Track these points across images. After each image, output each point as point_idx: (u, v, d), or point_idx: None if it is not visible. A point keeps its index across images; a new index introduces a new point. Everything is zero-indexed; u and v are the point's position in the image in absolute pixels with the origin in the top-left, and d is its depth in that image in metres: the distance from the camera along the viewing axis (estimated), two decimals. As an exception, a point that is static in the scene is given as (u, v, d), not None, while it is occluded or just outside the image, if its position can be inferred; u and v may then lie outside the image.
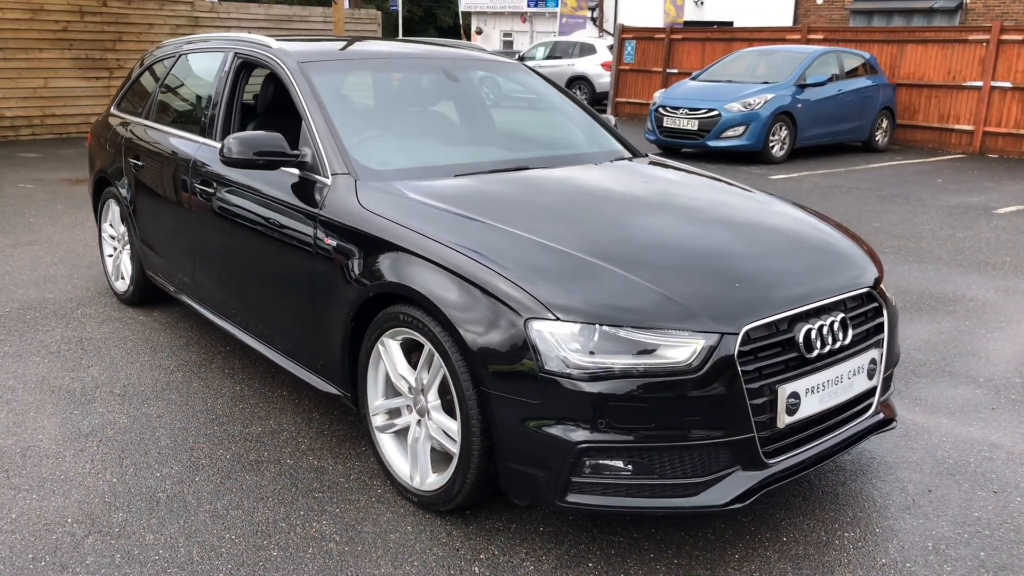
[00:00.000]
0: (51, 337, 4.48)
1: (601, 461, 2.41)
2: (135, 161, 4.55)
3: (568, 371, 2.37)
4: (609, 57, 20.11)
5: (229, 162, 3.29)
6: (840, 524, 2.81)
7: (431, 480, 2.81)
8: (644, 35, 18.22)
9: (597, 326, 2.40)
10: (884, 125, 13.16)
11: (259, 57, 3.88)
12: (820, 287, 2.72)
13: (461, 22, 43.74)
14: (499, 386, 2.46)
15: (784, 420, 2.52)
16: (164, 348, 4.36)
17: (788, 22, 26.09)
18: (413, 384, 2.83)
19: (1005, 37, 12.71)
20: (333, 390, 3.22)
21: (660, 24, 28.40)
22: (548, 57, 21.06)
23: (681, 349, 2.38)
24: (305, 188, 3.29)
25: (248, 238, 3.56)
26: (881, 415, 2.94)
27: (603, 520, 2.80)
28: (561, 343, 2.39)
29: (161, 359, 4.21)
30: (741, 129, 11.15)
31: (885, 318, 2.91)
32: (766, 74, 12.20)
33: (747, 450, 2.46)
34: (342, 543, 2.67)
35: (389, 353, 2.88)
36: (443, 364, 2.64)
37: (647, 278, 2.55)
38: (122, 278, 5.05)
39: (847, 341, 2.70)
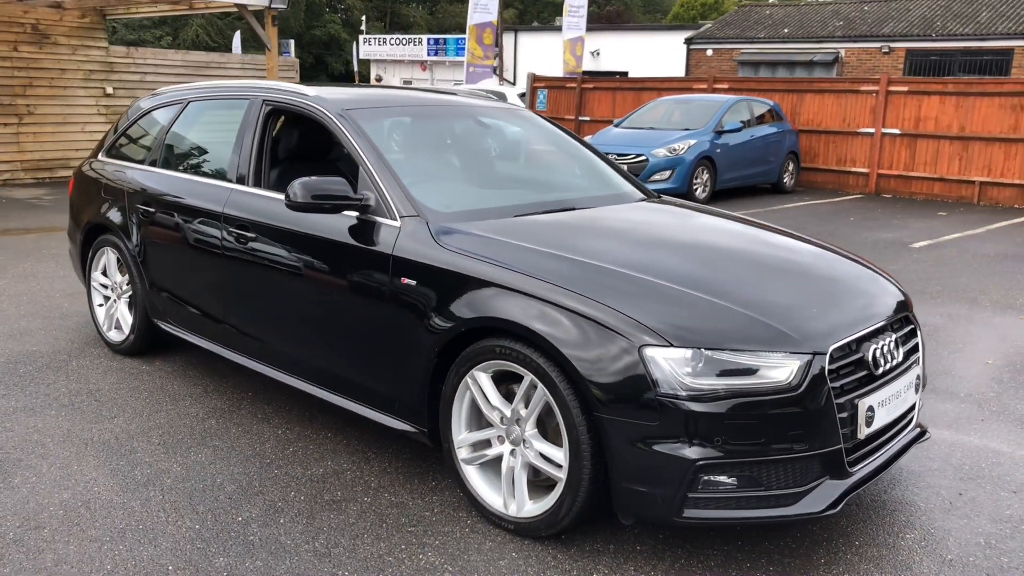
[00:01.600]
0: (56, 390, 4.35)
1: (714, 477, 2.60)
2: (145, 208, 4.50)
3: (682, 393, 2.57)
4: (520, 104, 20.64)
5: (296, 207, 3.36)
6: (898, 527, 3.09)
7: (529, 507, 2.93)
8: (556, 84, 18.87)
9: (703, 350, 2.61)
10: (791, 168, 14.06)
11: (293, 104, 3.97)
12: (874, 312, 3.03)
13: (357, 69, 43.90)
14: (614, 411, 2.63)
15: (863, 432, 2.78)
16: (183, 396, 4.30)
17: (680, 73, 27.49)
18: (508, 415, 2.95)
19: (892, 88, 13.87)
20: (408, 427, 3.29)
21: (560, 74, 29.41)
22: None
23: (781, 370, 2.62)
24: (366, 230, 3.39)
25: (298, 281, 3.61)
26: (919, 428, 3.25)
27: (693, 535, 2.98)
28: (674, 367, 2.58)
29: (186, 407, 4.15)
30: (668, 173, 11.72)
31: (919, 339, 3.24)
32: (684, 121, 12.89)
33: (835, 460, 2.71)
34: (455, 572, 2.75)
35: (480, 386, 3.00)
36: (547, 393, 2.78)
37: (736, 304, 2.78)
38: (117, 328, 4.94)
39: (900, 359, 3.01)
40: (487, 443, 3.07)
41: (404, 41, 35.45)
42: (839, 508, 2.70)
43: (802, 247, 3.51)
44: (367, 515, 3.12)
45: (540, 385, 2.81)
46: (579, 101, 18.23)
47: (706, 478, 2.60)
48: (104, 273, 5.02)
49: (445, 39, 34.83)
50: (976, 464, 3.65)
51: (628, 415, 2.61)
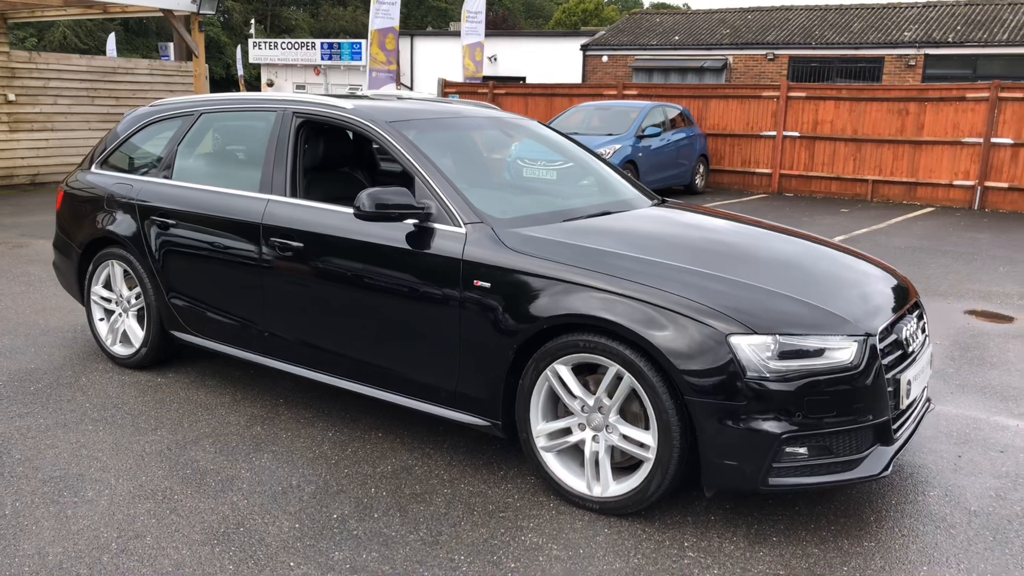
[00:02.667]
0: (81, 406, 4.31)
1: (793, 448, 2.95)
2: (162, 220, 4.51)
3: (765, 375, 2.90)
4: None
5: (364, 216, 3.53)
6: (921, 486, 3.52)
7: (614, 488, 3.20)
8: (467, 89, 19.12)
9: (778, 336, 2.95)
10: (701, 170, 14.82)
11: (329, 117, 4.10)
12: (897, 299, 3.46)
13: (241, 73, 42.80)
14: (704, 395, 2.94)
15: (904, 402, 3.20)
16: (215, 406, 4.35)
17: (577, 78, 28.24)
18: (590, 403, 3.22)
19: (792, 94, 14.82)
20: (478, 421, 3.51)
21: (460, 79, 29.67)
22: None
23: (844, 351, 2.99)
24: (428, 237, 3.58)
25: (354, 287, 3.76)
26: (928, 400, 3.71)
27: (758, 504, 3.32)
28: (757, 352, 2.92)
29: (223, 416, 4.21)
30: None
31: (927, 322, 3.70)
32: (605, 127, 13.40)
33: (885, 429, 3.11)
34: (562, 549, 3.00)
35: (562, 378, 3.25)
36: (634, 381, 3.06)
37: (794, 293, 3.14)
38: (124, 342, 4.91)
39: (922, 339, 3.45)
40: (567, 431, 3.32)
41: (296, 45, 34.89)
42: (890, 470, 3.09)
43: (819, 245, 3.92)
44: (455, 505, 3.32)
45: (627, 375, 3.08)
46: (491, 106, 18.51)
47: (787, 449, 2.94)
48: (106, 287, 4.97)
49: (339, 43, 34.49)
50: (962, 430, 4.16)
51: (718, 397, 2.92)
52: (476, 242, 3.47)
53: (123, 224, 4.73)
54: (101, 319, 5.03)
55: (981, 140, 13.19)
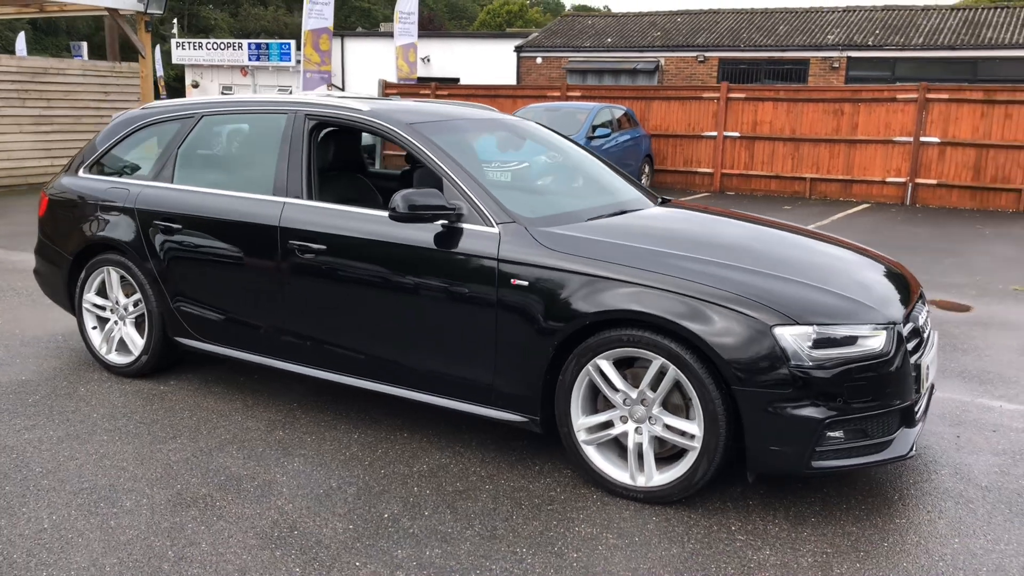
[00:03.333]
0: (88, 416, 4.21)
1: (833, 432, 3.11)
2: (167, 224, 4.43)
3: (808, 364, 3.06)
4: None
5: (399, 218, 3.58)
6: (932, 466, 3.74)
7: (658, 477, 3.31)
8: (408, 91, 19.08)
9: (817, 326, 3.11)
10: (647, 170, 15.13)
11: (345, 119, 4.12)
12: (909, 291, 3.67)
13: (161, 74, 41.62)
14: (751, 384, 3.07)
15: (924, 386, 3.40)
16: (229, 412, 4.30)
17: (511, 79, 28.39)
18: (633, 396, 3.32)
19: (732, 95, 15.26)
20: (515, 417, 3.58)
21: (394, 80, 29.51)
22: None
23: (875, 339, 3.17)
24: (455, 237, 3.63)
25: (383, 288, 3.78)
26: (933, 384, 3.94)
27: (788, 487, 3.48)
28: (799, 342, 3.07)
29: (240, 422, 4.17)
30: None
31: (929, 310, 3.93)
32: (553, 127, 13.53)
33: (909, 412, 3.30)
34: (617, 538, 3.09)
35: (604, 372, 3.34)
36: (679, 373, 3.18)
37: (823, 285, 3.31)
38: (121, 350, 4.81)
39: (930, 327, 3.67)
40: (609, 424, 3.42)
41: (223, 46, 34.10)
42: (914, 451, 3.29)
43: (828, 240, 4.10)
44: (501, 500, 3.38)
45: (672, 367, 3.20)
46: (433, 108, 18.50)
47: (828, 434, 3.10)
48: (100, 294, 4.85)
49: (267, 44, 33.85)
50: (953, 412, 4.41)
51: (764, 386, 3.06)
52: (512, 241, 3.53)
53: (121, 230, 4.62)
54: (94, 327, 4.91)
55: (911, 139, 13.83)
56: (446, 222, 3.66)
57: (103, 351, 4.86)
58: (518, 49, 27.93)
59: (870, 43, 22.75)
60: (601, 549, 3.02)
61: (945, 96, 13.52)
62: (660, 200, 4.64)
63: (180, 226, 4.41)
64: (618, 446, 3.48)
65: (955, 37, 22.10)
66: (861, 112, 14.16)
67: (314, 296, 4.00)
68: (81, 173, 4.99)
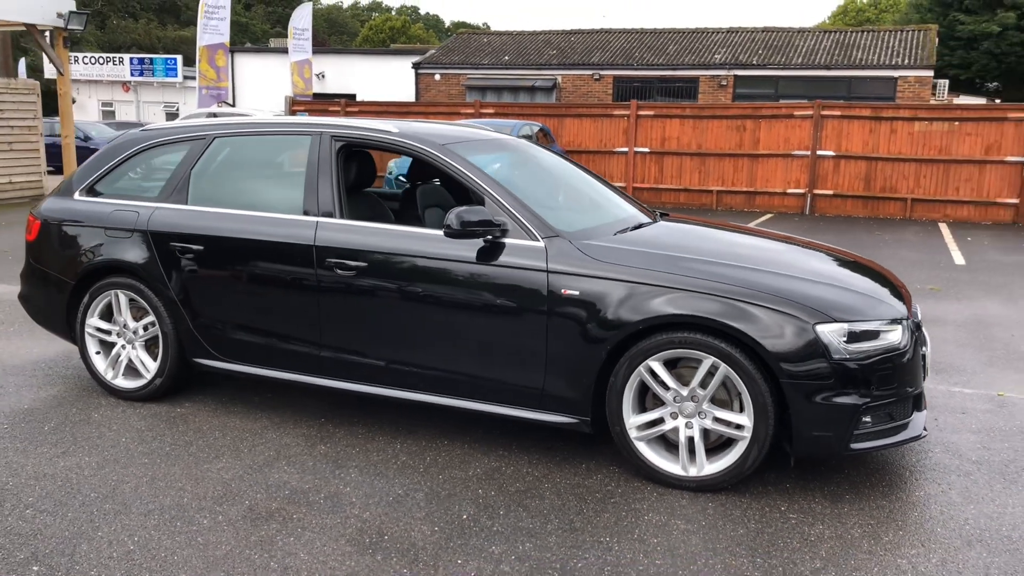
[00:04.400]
0: (115, 442, 4.18)
1: (867, 417, 3.50)
2: (185, 246, 4.44)
3: (846, 356, 3.44)
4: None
5: (454, 234, 3.78)
6: (925, 449, 4.20)
7: (709, 467, 3.62)
8: (317, 107, 18.94)
9: (849, 323, 3.50)
10: (564, 184, 15.59)
11: (375, 141, 4.28)
12: (900, 289, 4.12)
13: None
14: (798, 377, 3.43)
15: (928, 375, 3.85)
16: (259, 430, 4.35)
17: (410, 96, 28.53)
18: (684, 393, 3.62)
19: (641, 113, 15.96)
20: (565, 419, 3.82)
21: (289, 95, 29.10)
22: (201, 129, 20.57)
23: (894, 333, 3.58)
24: (498, 251, 3.86)
25: (430, 301, 3.95)
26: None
27: (816, 471, 3.85)
28: (837, 338, 3.45)
29: (277, 438, 4.23)
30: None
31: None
32: (477, 144, 13.81)
33: (919, 397, 3.74)
34: (687, 523, 3.38)
35: (655, 372, 3.63)
36: (730, 371, 3.50)
37: (845, 285, 3.71)
38: (130, 374, 4.76)
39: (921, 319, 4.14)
40: (659, 420, 3.70)
41: (102, 60, 32.71)
42: (926, 431, 3.72)
43: (822, 248, 4.53)
44: (565, 497, 3.61)
45: (723, 365, 3.51)
46: (343, 125, 18.46)
47: (864, 418, 3.49)
48: (103, 318, 4.78)
49: (152, 59, 32.71)
50: (944, 401, 4.92)
51: (809, 378, 3.42)
52: (559, 254, 3.78)
53: (132, 252, 4.59)
54: (97, 352, 4.83)
55: (809, 152, 14.85)
56: (490, 237, 3.87)
57: (109, 376, 4.79)
58: (416, 66, 28.10)
59: (755, 62, 24.14)
60: (676, 534, 3.29)
61: (838, 113, 14.60)
62: (664, 214, 4.99)
63: (201, 247, 4.43)
64: (664, 441, 3.77)
65: (830, 57, 23.74)
66: (762, 128, 15.09)
67: (356, 312, 4.12)
68: (77, 196, 4.91)
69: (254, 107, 23.70)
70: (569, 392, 3.79)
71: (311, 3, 29.89)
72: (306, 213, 4.27)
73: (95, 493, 3.61)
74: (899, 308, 3.72)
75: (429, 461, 3.98)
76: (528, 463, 3.96)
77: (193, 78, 33.08)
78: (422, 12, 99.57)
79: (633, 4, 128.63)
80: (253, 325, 4.39)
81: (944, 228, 13.25)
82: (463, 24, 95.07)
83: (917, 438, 3.66)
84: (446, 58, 28.13)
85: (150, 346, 4.74)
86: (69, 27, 9.97)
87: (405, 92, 29.34)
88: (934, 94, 23.01)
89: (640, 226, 4.39)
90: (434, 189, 5.31)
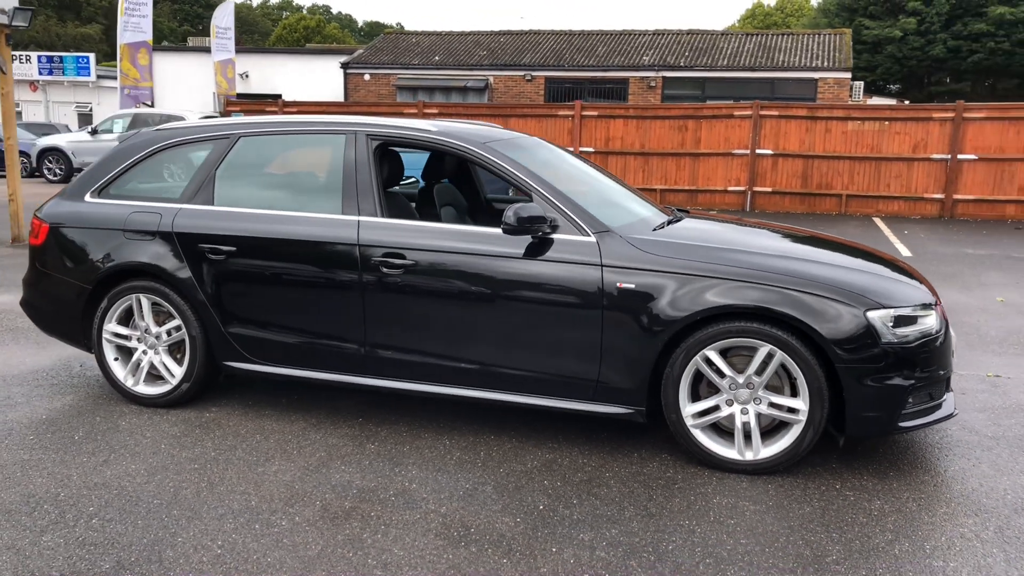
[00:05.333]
0: (156, 448, 4.09)
1: (912, 397, 3.72)
2: (216, 247, 4.37)
3: (893, 341, 3.65)
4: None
5: (512, 230, 3.84)
6: (942, 424, 4.46)
7: (765, 451, 3.78)
8: (253, 108, 18.55)
9: (894, 309, 3.71)
10: (511, 184, 15.70)
11: (416, 140, 4.31)
12: (920, 277, 4.38)
13: None
14: (852, 361, 3.62)
15: (955, 358, 4.10)
16: (301, 431, 4.31)
17: (338, 96, 28.20)
18: (740, 380, 3.77)
19: (585, 113, 16.22)
20: (619, 410, 3.93)
21: (211, 96, 28.37)
22: (128, 129, 19.86)
23: (930, 318, 3.82)
24: (547, 246, 3.94)
25: (478, 298, 4.00)
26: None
27: (856, 451, 4.06)
28: (885, 323, 3.65)
29: (320, 439, 4.20)
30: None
31: (924, 296, 4.69)
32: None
33: (949, 378, 3.98)
34: (754, 504, 3.52)
35: (711, 361, 3.77)
36: (787, 357, 3.66)
37: (882, 274, 3.93)
38: (152, 380, 4.65)
39: (940, 308, 4.41)
40: (715, 408, 3.84)
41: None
42: (956, 410, 3.97)
43: (838, 240, 4.76)
44: (631, 485, 3.71)
45: (779, 352, 3.68)
46: (281, 125, 18.15)
47: (910, 399, 3.70)
48: (121, 323, 4.65)
49: (62, 57, 31.35)
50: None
51: (863, 363, 3.62)
52: (612, 248, 3.88)
53: (155, 254, 4.48)
54: (116, 359, 4.69)
55: (748, 151, 15.35)
56: (541, 233, 3.94)
57: (129, 383, 4.65)
58: (345, 65, 27.78)
59: (682, 64, 24.76)
60: (748, 514, 3.44)
61: (775, 113, 15.15)
62: (684, 210, 5.15)
63: (234, 248, 4.36)
64: (715, 427, 3.91)
65: (754, 60, 24.56)
66: (703, 128, 15.53)
67: (404, 310, 4.13)
68: (88, 198, 4.75)
69: (186, 109, 22.95)
70: (624, 383, 3.89)
71: (232, 1, 29.17)
72: (345, 212, 4.26)
73: (157, 500, 3.53)
74: (928, 295, 3.95)
75: (484, 456, 4.02)
76: (581, 454, 4.05)
77: (108, 77, 31.96)
78: (334, 11, 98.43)
79: (549, 6, 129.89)
80: (290, 326, 4.35)
81: (879, 222, 13.91)
82: (376, 24, 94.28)
83: (950, 416, 3.90)
84: (375, 58, 27.90)
85: (173, 351, 4.63)
86: (13, 24, 9.51)
87: (332, 92, 28.97)
88: (851, 95, 24.04)
89: (672, 222, 4.52)
90: (448, 188, 5.35)
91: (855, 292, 3.69)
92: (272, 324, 4.38)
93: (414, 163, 6.41)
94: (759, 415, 3.80)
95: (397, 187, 4.97)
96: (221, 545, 3.17)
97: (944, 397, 3.92)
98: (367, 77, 27.64)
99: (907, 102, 31.31)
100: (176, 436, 4.23)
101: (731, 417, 3.83)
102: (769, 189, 15.40)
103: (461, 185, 5.64)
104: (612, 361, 3.88)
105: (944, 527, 3.34)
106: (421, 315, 4.12)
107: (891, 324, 3.66)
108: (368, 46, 30.35)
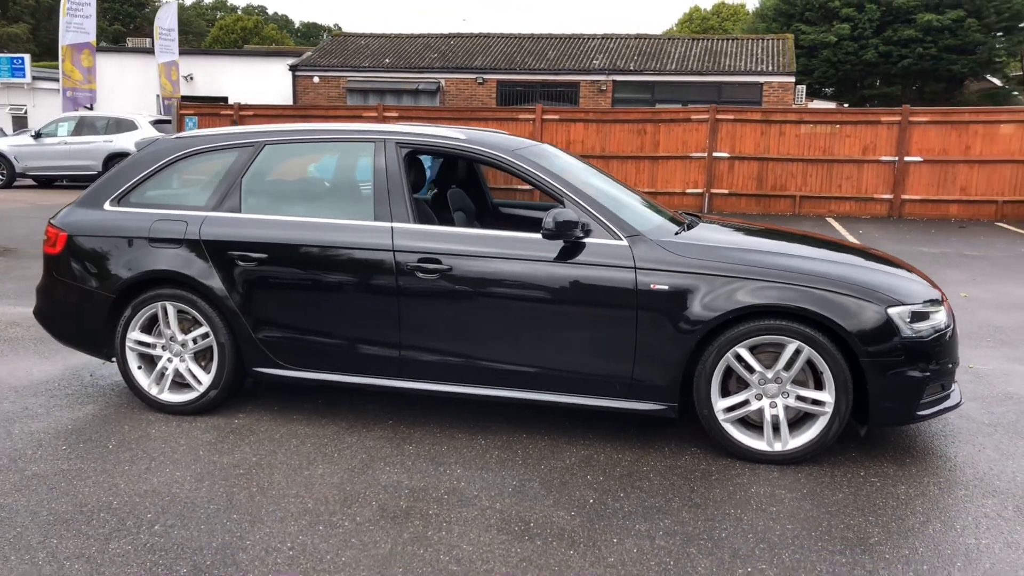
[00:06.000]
0: (194, 455, 4.12)
1: (927, 387, 3.97)
2: (247, 254, 4.41)
3: (911, 335, 3.90)
4: (154, 133, 19.44)
5: (550, 235, 3.99)
6: (954, 413, 4.74)
7: (793, 442, 3.99)
8: (208, 111, 18.30)
9: (909, 305, 3.96)
10: (475, 187, 15.82)
11: (442, 147, 4.44)
12: (924, 276, 4.65)
13: None
14: (875, 355, 3.85)
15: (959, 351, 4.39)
16: (336, 435, 4.38)
17: (287, 99, 27.90)
18: (769, 376, 3.98)
19: (546, 117, 16.42)
20: (655, 406, 4.10)
21: (154, 99, 27.81)
22: (74, 133, 19.36)
23: (939, 313, 4.08)
24: (578, 250, 4.09)
25: (515, 301, 4.13)
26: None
27: (873, 439, 4.30)
28: (902, 319, 3.90)
29: (356, 442, 4.28)
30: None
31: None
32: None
33: (955, 371, 4.26)
34: (790, 491, 3.73)
35: (742, 358, 3.97)
36: (813, 352, 3.88)
37: (893, 273, 4.18)
38: (179, 387, 4.66)
39: (939, 305, 4.70)
40: (744, 402, 4.04)
41: (-63, 59, 29.98)
42: (962, 400, 4.25)
43: (837, 241, 5.01)
44: (671, 477, 3.89)
45: (807, 348, 3.89)
46: (237, 129, 17.95)
47: (926, 390, 3.96)
48: (146, 331, 4.65)
49: (-5, 58, 30.28)
50: (915, 374, 5.51)
51: (884, 356, 3.86)
52: (644, 252, 4.05)
53: (183, 262, 4.50)
54: (139, 367, 4.69)
55: (705, 154, 15.75)
56: (574, 237, 4.09)
57: (154, 391, 4.65)
58: (293, 68, 27.51)
59: (632, 68, 25.19)
60: (787, 501, 3.64)
61: (731, 117, 15.58)
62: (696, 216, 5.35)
63: (265, 255, 4.40)
64: (742, 420, 4.11)
65: (701, 64, 25.12)
66: (661, 131, 15.87)
67: (440, 313, 4.23)
68: (107, 206, 4.74)
69: (135, 112, 22.39)
70: (658, 380, 4.06)
71: (176, 2, 28.63)
72: (377, 219, 4.34)
73: (212, 505, 3.58)
74: (935, 291, 4.22)
75: (522, 454, 4.15)
76: (615, 450, 4.21)
77: (44, 79, 31.00)
78: (270, 12, 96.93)
79: (491, 9, 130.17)
80: (323, 331, 4.41)
81: (833, 222, 14.43)
82: (314, 25, 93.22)
83: (958, 406, 4.17)
84: (324, 60, 27.69)
85: (199, 358, 4.65)
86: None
87: (280, 95, 28.65)
88: (795, 99, 24.77)
89: (690, 226, 4.71)
90: (460, 193, 5.48)
91: (875, 290, 3.93)
92: (304, 329, 4.44)
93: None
94: (787, 408, 4.01)
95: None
96: (291, 547, 3.24)
97: (952, 388, 4.19)
98: (316, 80, 27.42)
99: (846, 105, 32.36)
100: (211, 443, 4.26)
101: (759, 411, 4.03)
102: (726, 191, 15.82)
103: (468, 190, 5.76)
104: (646, 360, 4.05)
105: (967, 508, 3.59)
106: (456, 319, 4.23)
107: (908, 319, 3.91)
108: (316, 48, 30.09)
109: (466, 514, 3.51)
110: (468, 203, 5.58)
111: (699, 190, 15.90)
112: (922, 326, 3.94)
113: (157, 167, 4.74)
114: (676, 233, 4.40)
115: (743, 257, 4.05)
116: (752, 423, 4.11)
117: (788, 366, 3.96)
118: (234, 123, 17.98)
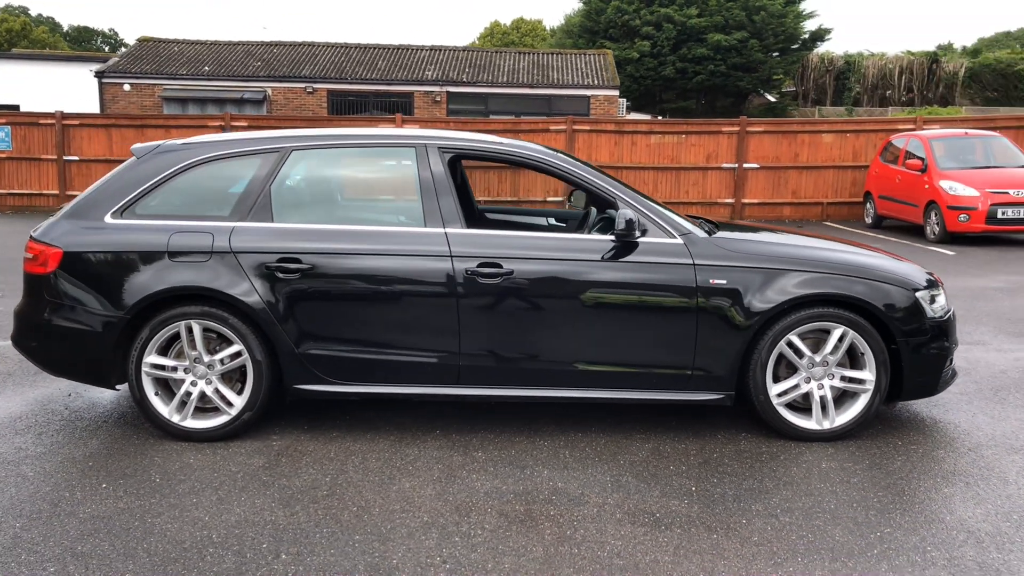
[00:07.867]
0: (260, 483, 3.85)
1: (948, 364, 4.46)
2: (289, 265, 4.17)
3: (934, 316, 4.37)
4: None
5: (624, 235, 4.12)
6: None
7: (839, 419, 4.34)
8: (25, 120, 16.65)
9: (928, 289, 4.44)
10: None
11: (488, 152, 4.45)
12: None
13: None
14: (908, 336, 4.28)
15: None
16: (395, 449, 4.24)
17: (93, 108, 25.79)
18: (818, 360, 4.30)
19: (493, 126, 16.33)
20: (714, 396, 4.32)
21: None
22: None
23: (942, 297, 4.60)
24: (632, 248, 4.25)
25: (580, 301, 4.20)
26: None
27: (889, 418, 4.75)
28: (925, 302, 4.37)
29: (418, 454, 4.17)
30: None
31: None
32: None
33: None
34: (857, 462, 4.06)
35: (794, 344, 4.27)
36: (857, 336, 4.25)
37: (906, 262, 4.65)
38: (204, 412, 4.32)
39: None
40: (795, 386, 4.34)
41: None
42: (957, 375, 4.80)
43: (841, 240, 5.46)
44: (744, 461, 4.11)
45: (851, 332, 4.26)
46: (62, 139, 16.46)
47: (947, 365, 4.44)
48: (165, 354, 4.27)
49: None
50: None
51: (916, 336, 4.29)
52: (700, 249, 4.26)
53: (211, 276, 4.18)
54: (156, 393, 4.29)
55: (564, 163, 16.28)
56: (631, 237, 4.23)
57: (176, 419, 4.27)
58: (100, 74, 25.48)
59: (465, 79, 25.53)
60: (860, 473, 3.96)
61: (587, 128, 16.25)
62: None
63: (309, 266, 4.19)
64: (789, 404, 4.40)
65: (531, 77, 25.89)
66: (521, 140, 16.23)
67: (503, 317, 4.21)
68: (109, 219, 4.30)
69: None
70: (717, 371, 4.28)
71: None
72: (428, 225, 4.26)
73: (325, 528, 3.38)
74: (932, 278, 4.74)
75: (591, 452, 4.22)
76: (677, 440, 4.37)
77: None
78: (33, 13, 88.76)
79: (290, 18, 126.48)
80: (376, 342, 4.25)
81: (687, 226, 15.41)
82: (85, 29, 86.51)
83: (955, 377, 4.71)
84: (135, 67, 25.87)
85: (227, 379, 4.33)
86: None
87: (85, 103, 26.39)
88: (619, 111, 26.13)
89: (717, 227, 4.96)
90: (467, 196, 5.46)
91: (903, 277, 4.36)
92: (354, 341, 4.25)
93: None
94: (832, 388, 4.36)
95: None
96: (443, 560, 3.14)
97: (953, 365, 4.72)
98: (127, 87, 25.56)
99: (660, 117, 34.48)
100: (267, 467, 3.99)
101: (807, 393, 4.35)
102: (584, 198, 16.43)
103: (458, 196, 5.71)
104: (706, 352, 4.25)
105: (1003, 463, 4.08)
106: (518, 322, 4.23)
107: (929, 302, 4.37)
108: (124, 53, 28.02)
109: (587, 512, 3.55)
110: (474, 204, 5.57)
111: (559, 198, 16.43)
112: (937, 306, 4.42)
113: (166, 176, 4.37)
114: (710, 233, 4.64)
115: (787, 252, 4.36)
116: (797, 405, 4.41)
117: (834, 350, 4.30)
118: (59, 134, 16.45)
